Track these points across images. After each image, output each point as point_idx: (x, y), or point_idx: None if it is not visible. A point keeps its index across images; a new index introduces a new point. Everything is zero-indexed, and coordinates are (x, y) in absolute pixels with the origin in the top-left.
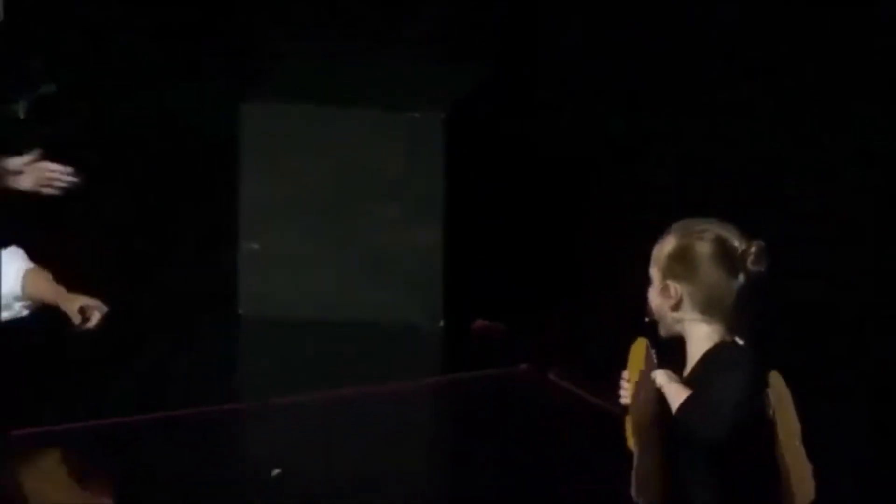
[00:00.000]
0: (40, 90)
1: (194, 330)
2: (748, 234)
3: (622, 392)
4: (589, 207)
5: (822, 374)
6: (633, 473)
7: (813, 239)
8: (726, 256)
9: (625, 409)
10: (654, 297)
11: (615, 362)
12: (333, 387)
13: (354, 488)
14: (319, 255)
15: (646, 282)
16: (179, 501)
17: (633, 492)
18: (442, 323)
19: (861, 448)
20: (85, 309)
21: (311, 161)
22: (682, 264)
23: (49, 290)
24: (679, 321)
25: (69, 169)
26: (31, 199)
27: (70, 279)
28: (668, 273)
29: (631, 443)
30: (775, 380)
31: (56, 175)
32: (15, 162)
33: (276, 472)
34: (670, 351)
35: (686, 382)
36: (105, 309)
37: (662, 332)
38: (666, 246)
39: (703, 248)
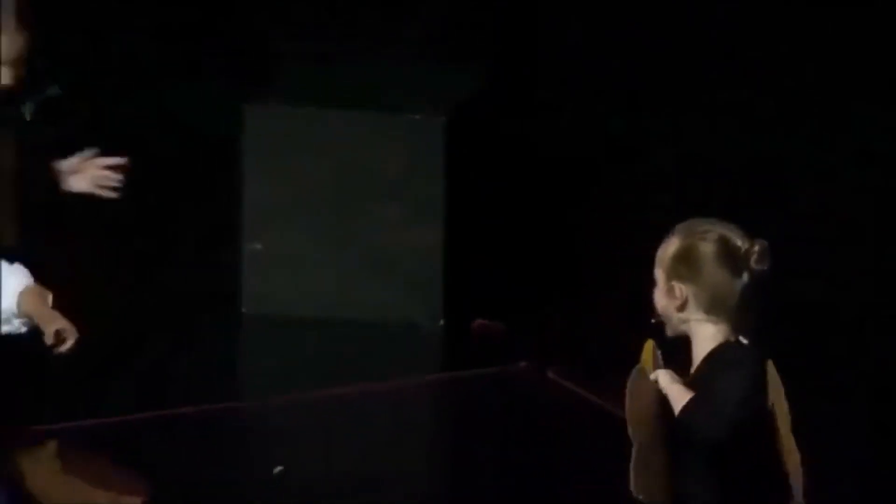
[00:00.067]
0: (46, 92)
1: (198, 328)
2: (750, 233)
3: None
4: (589, 207)
5: (822, 374)
6: (632, 468)
7: (813, 239)
8: (730, 256)
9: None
10: (660, 299)
11: (614, 361)
12: (335, 384)
13: (355, 485)
14: (321, 255)
15: (646, 281)
16: (180, 499)
17: (631, 486)
18: (442, 322)
19: (861, 448)
20: (60, 332)
21: (314, 162)
22: (686, 265)
23: (37, 310)
24: (685, 321)
25: (120, 164)
26: (87, 200)
27: (75, 280)
28: (673, 274)
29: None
30: (769, 370)
31: (112, 174)
32: (70, 162)
33: (278, 469)
34: (676, 351)
35: (690, 381)
36: (77, 335)
37: (669, 332)
38: (670, 247)
39: (707, 249)
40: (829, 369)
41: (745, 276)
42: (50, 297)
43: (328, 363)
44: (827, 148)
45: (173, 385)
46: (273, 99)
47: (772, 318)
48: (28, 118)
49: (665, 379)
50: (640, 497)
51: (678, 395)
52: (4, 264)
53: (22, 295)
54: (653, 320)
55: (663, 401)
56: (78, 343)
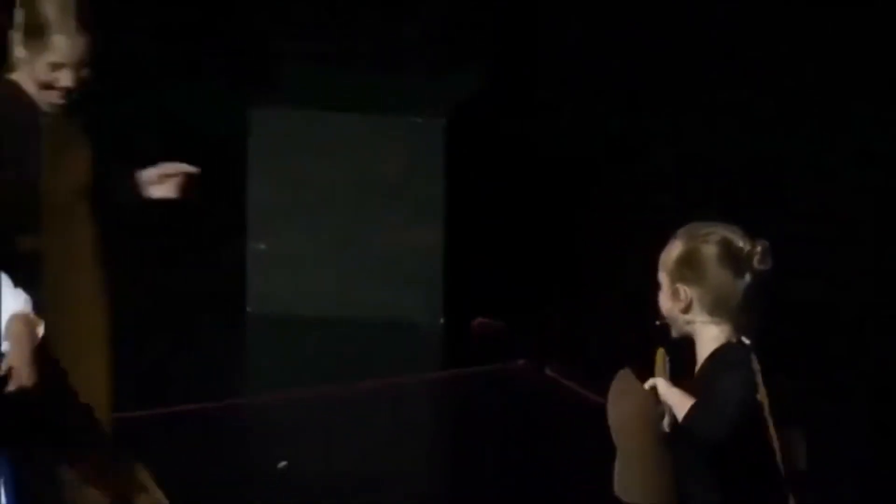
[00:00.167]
0: None
1: (203, 327)
2: (750, 234)
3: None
4: (588, 207)
5: (822, 374)
6: (616, 471)
7: (813, 239)
8: (732, 257)
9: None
10: (665, 301)
11: (613, 359)
12: (337, 382)
13: (357, 480)
14: (324, 255)
15: (645, 281)
16: (183, 495)
17: (615, 488)
18: (442, 320)
19: (861, 448)
20: (11, 370)
21: (316, 164)
22: (690, 268)
23: (14, 338)
24: (690, 323)
25: (195, 172)
26: (163, 206)
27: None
28: (678, 277)
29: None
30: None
31: (185, 180)
32: (150, 173)
33: (282, 464)
34: (680, 351)
35: (693, 381)
36: (25, 382)
37: (675, 333)
38: (673, 251)
39: (710, 251)
40: (829, 369)
41: (748, 277)
42: (40, 328)
43: (330, 361)
44: (827, 148)
45: (179, 383)
46: (277, 102)
47: (772, 318)
48: None
49: (663, 386)
50: (624, 498)
51: (679, 402)
52: (6, 285)
53: (11, 319)
54: (657, 322)
55: (653, 405)
56: (22, 390)
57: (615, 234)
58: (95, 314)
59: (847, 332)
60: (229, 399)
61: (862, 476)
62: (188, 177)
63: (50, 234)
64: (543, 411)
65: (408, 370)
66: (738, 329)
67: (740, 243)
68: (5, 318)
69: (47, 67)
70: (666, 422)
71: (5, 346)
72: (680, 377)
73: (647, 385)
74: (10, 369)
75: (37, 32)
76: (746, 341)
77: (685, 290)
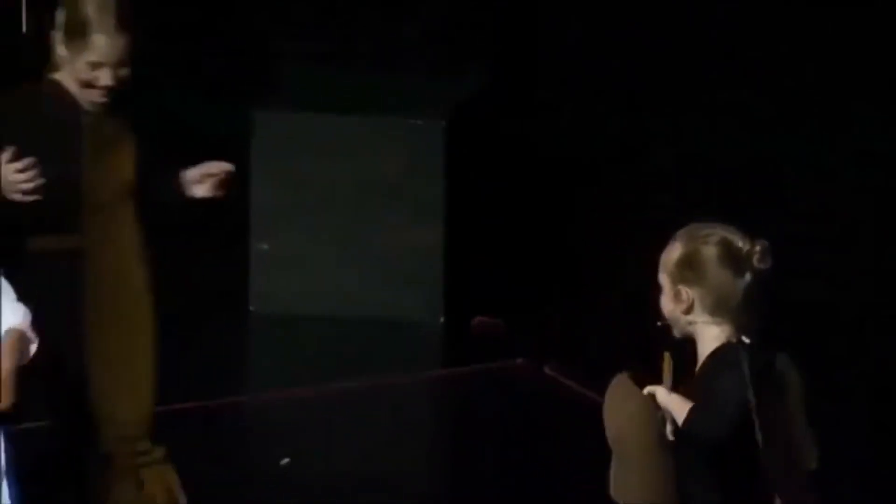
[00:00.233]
0: None
1: (207, 325)
2: (749, 234)
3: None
4: (588, 207)
5: (822, 374)
6: (611, 473)
7: (813, 239)
8: (732, 258)
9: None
10: (667, 303)
11: (611, 358)
12: (338, 380)
13: (357, 478)
14: (325, 255)
15: (644, 280)
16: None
17: (611, 490)
18: (442, 320)
19: (861, 448)
20: None
21: (318, 165)
22: (691, 269)
23: (4, 354)
24: (692, 323)
25: (231, 169)
26: (204, 204)
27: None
28: (679, 279)
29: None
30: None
31: (224, 178)
32: (193, 173)
33: (284, 461)
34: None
35: (693, 380)
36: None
37: (676, 334)
38: (673, 253)
39: (710, 252)
40: (829, 369)
41: (748, 276)
42: (33, 346)
43: (332, 359)
44: (827, 148)
45: (182, 380)
46: (280, 105)
47: (772, 318)
48: None
49: (663, 394)
50: (620, 501)
51: (679, 408)
52: (7, 298)
53: (5, 334)
54: (658, 324)
55: (652, 410)
56: None
57: (615, 234)
58: (139, 312)
59: (847, 332)
60: (232, 397)
61: (862, 476)
62: (227, 175)
63: (92, 232)
64: (542, 410)
65: (408, 369)
66: (739, 329)
67: (740, 243)
68: (4, 330)
69: (87, 66)
70: (668, 429)
71: None
72: (684, 379)
73: (645, 391)
74: None
75: (77, 32)
76: (747, 341)
77: (687, 292)
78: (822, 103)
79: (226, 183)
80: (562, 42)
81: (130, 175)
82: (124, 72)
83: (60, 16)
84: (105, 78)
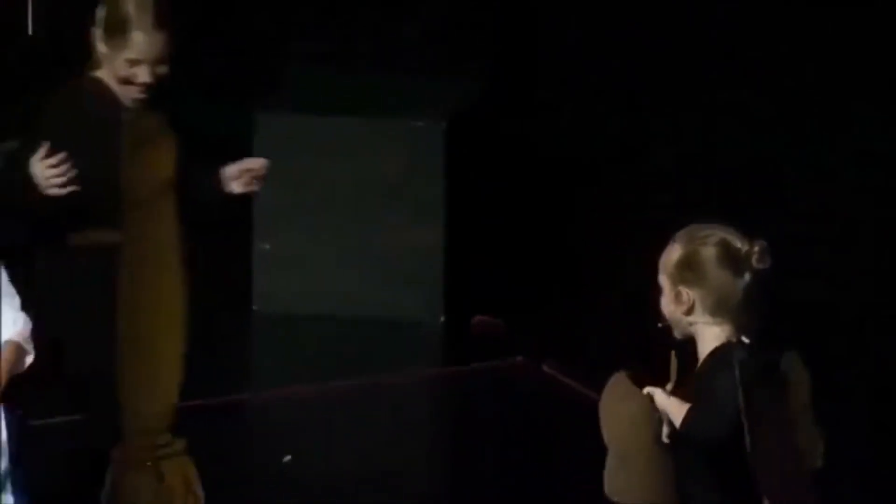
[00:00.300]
0: None
1: (211, 325)
2: (749, 234)
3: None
4: (588, 207)
5: (822, 374)
6: (606, 471)
7: (813, 239)
8: (731, 258)
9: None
10: (667, 304)
11: (610, 357)
12: (340, 378)
13: (357, 474)
14: (327, 255)
15: (644, 280)
16: None
17: (605, 488)
18: (442, 319)
19: (861, 448)
20: None
21: (320, 167)
22: (691, 270)
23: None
24: (692, 324)
25: (266, 165)
26: (238, 201)
27: None
28: (679, 280)
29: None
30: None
31: (258, 173)
32: (232, 169)
33: (286, 458)
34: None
35: (692, 380)
36: None
37: (677, 334)
38: (673, 254)
39: (709, 253)
40: (829, 369)
41: (747, 277)
42: (28, 358)
43: (334, 358)
44: (827, 148)
45: (186, 378)
46: (282, 107)
47: (772, 318)
48: None
49: (661, 396)
50: (615, 499)
51: (676, 410)
52: (7, 309)
53: (4, 344)
54: (659, 325)
55: (651, 410)
56: None
57: (615, 234)
58: (172, 307)
59: (847, 332)
60: (235, 395)
61: (862, 476)
62: (258, 171)
63: (131, 227)
64: (540, 408)
65: (409, 367)
66: (739, 328)
67: (738, 244)
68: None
69: (126, 63)
70: (665, 431)
71: None
72: (685, 379)
73: (644, 392)
74: None
75: (116, 29)
76: (747, 340)
77: (687, 293)
78: (822, 103)
79: (263, 178)
80: (562, 42)
81: (170, 171)
82: (162, 69)
83: (100, 13)
84: (143, 75)
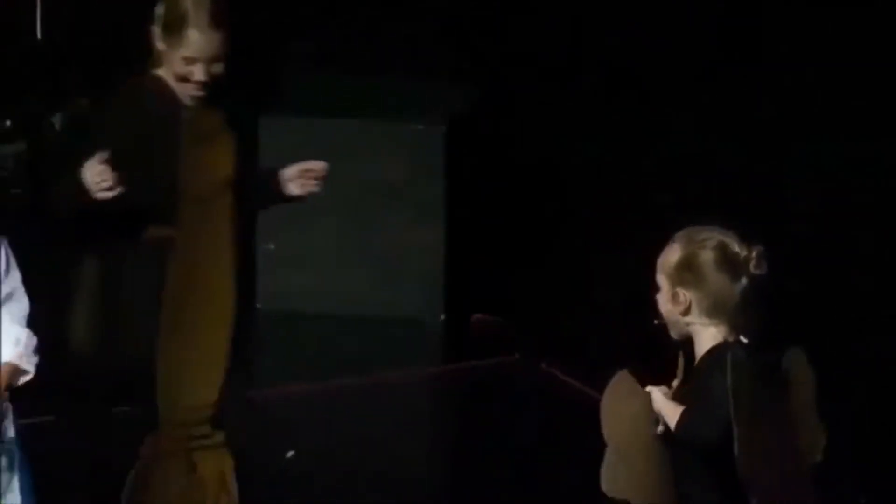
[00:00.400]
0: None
1: None
2: (748, 237)
3: None
4: (589, 207)
5: (822, 374)
6: (603, 467)
7: (813, 239)
8: (729, 262)
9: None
10: (665, 304)
11: (608, 355)
12: (342, 375)
13: (360, 467)
14: (330, 255)
15: (643, 280)
16: None
17: (602, 485)
18: (443, 318)
19: (861, 448)
20: None
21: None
22: (689, 272)
23: None
24: (689, 324)
25: (326, 167)
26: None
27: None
28: (677, 281)
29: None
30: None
31: (315, 175)
32: (292, 171)
33: (290, 454)
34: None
35: (688, 379)
36: None
37: (673, 334)
38: (672, 255)
39: (708, 256)
40: (829, 369)
41: (744, 280)
42: (25, 377)
43: (336, 356)
44: (827, 148)
45: None
46: (285, 110)
47: (772, 317)
48: (58, 128)
49: (657, 397)
50: (612, 495)
51: (672, 413)
52: (5, 327)
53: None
54: (656, 322)
55: (651, 408)
56: None
57: (615, 234)
58: (221, 305)
59: (847, 332)
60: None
61: (862, 476)
62: (317, 174)
63: (185, 224)
64: (538, 405)
65: (409, 365)
66: (736, 329)
67: (736, 248)
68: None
69: (182, 61)
70: (659, 429)
71: None
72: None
73: (646, 390)
74: None
75: (173, 26)
76: (744, 340)
77: (684, 294)
78: (822, 103)
79: (323, 180)
80: (562, 42)
81: (228, 170)
82: (218, 68)
83: (159, 10)
84: (199, 73)
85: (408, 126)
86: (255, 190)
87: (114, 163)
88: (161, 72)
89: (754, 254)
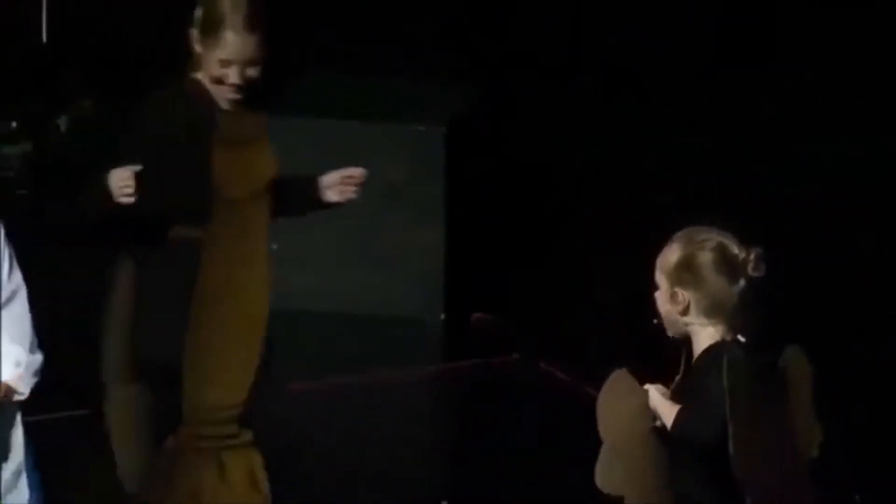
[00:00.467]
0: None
1: None
2: (746, 239)
3: None
4: (588, 208)
5: (823, 374)
6: (599, 462)
7: (813, 239)
8: (727, 264)
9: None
10: (664, 304)
11: (607, 355)
12: (345, 373)
13: (360, 465)
14: (331, 255)
15: (642, 279)
16: None
17: (597, 480)
18: (442, 317)
19: (861, 448)
20: None
21: (324, 169)
22: (688, 273)
23: None
24: (688, 324)
25: (364, 173)
26: (333, 208)
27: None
28: (676, 281)
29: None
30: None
31: (354, 182)
32: (332, 177)
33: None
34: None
35: (686, 378)
36: None
37: (672, 333)
38: (671, 256)
39: (706, 258)
40: (829, 369)
41: (742, 282)
42: (17, 396)
43: (337, 355)
44: (827, 148)
45: None
46: (288, 111)
47: (771, 318)
48: (63, 130)
49: (655, 395)
50: (607, 491)
51: (668, 413)
52: (6, 348)
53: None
54: (654, 321)
55: (648, 406)
56: None
57: (615, 234)
58: (253, 305)
59: (847, 332)
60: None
61: (862, 476)
62: (355, 180)
63: (219, 225)
64: (536, 403)
65: (409, 364)
66: (734, 329)
67: (735, 250)
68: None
69: (218, 64)
70: (657, 423)
71: None
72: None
73: (645, 388)
74: None
75: (210, 28)
76: (742, 339)
77: (683, 294)
78: (822, 103)
79: (361, 186)
80: (562, 42)
81: (265, 174)
82: (253, 71)
83: (198, 12)
84: (233, 76)
85: (408, 127)
86: (292, 195)
87: (148, 165)
88: (199, 75)
89: (752, 255)
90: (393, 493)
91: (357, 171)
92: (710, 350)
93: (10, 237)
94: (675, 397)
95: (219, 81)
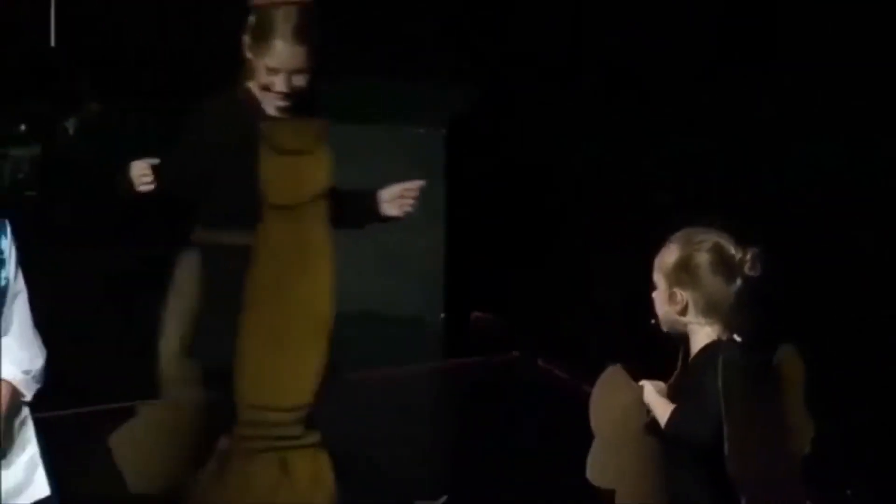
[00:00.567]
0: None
1: None
2: (746, 239)
3: None
4: (589, 207)
5: (823, 374)
6: (590, 456)
7: (812, 239)
8: (724, 264)
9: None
10: (662, 303)
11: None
12: (346, 371)
13: (360, 463)
14: (335, 254)
15: (643, 280)
16: None
17: (587, 473)
18: (442, 315)
19: (861, 448)
20: None
21: None
22: (686, 273)
23: None
24: (686, 324)
25: (422, 185)
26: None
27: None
28: (674, 281)
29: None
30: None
31: (411, 195)
32: (392, 191)
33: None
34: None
35: (683, 378)
36: None
37: (670, 332)
38: (669, 256)
39: (703, 259)
40: (829, 369)
41: (739, 282)
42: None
43: (340, 352)
44: (827, 148)
45: None
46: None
47: (770, 318)
48: (71, 133)
49: (649, 392)
50: (598, 485)
51: (662, 411)
52: (13, 354)
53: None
54: (652, 321)
55: (642, 402)
56: None
57: (615, 234)
58: (314, 312)
59: (847, 332)
60: None
61: (862, 476)
62: (414, 193)
63: (268, 232)
64: (535, 400)
65: (410, 363)
66: (731, 328)
67: (732, 251)
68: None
69: (266, 71)
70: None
71: None
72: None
73: (639, 384)
74: None
75: (260, 36)
76: (738, 339)
77: (681, 294)
78: (822, 103)
79: (417, 200)
80: (562, 43)
81: (318, 182)
82: (301, 80)
83: (250, 20)
84: (280, 84)
85: (409, 129)
86: (351, 207)
87: (198, 168)
88: (251, 83)
89: (749, 256)
90: (393, 491)
91: (416, 185)
92: (706, 349)
93: (16, 238)
94: (671, 394)
95: (266, 89)
